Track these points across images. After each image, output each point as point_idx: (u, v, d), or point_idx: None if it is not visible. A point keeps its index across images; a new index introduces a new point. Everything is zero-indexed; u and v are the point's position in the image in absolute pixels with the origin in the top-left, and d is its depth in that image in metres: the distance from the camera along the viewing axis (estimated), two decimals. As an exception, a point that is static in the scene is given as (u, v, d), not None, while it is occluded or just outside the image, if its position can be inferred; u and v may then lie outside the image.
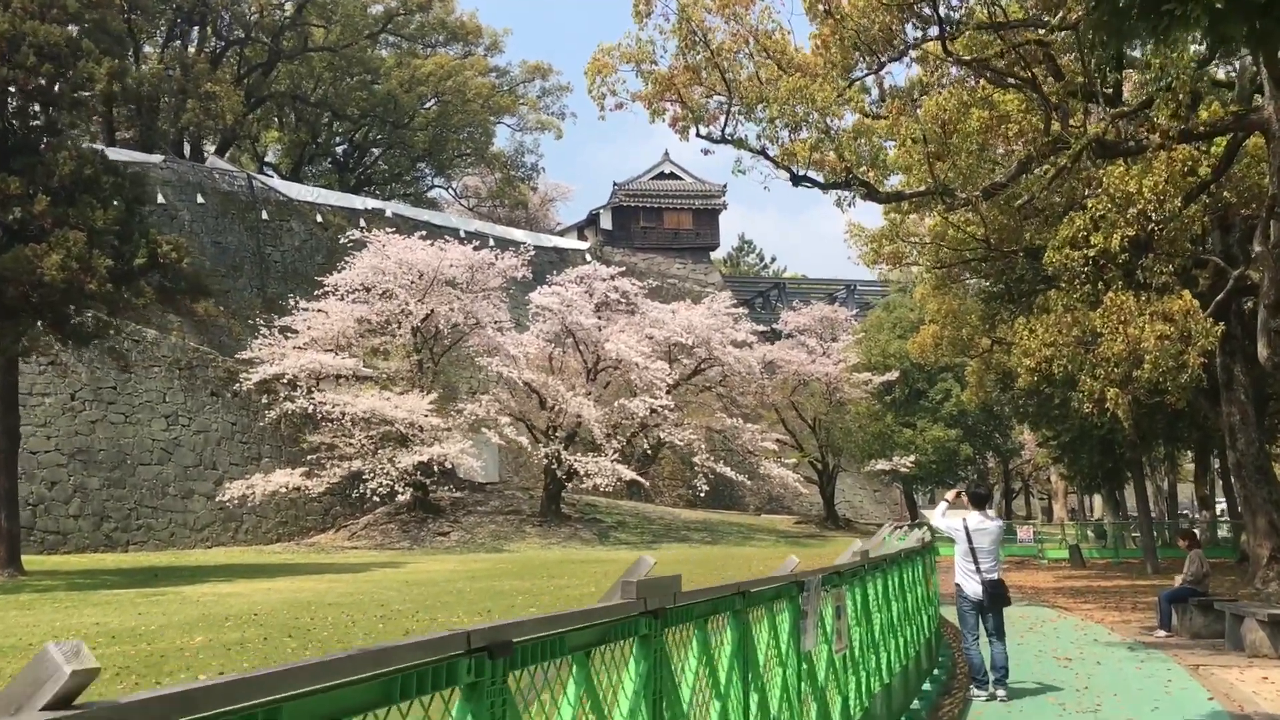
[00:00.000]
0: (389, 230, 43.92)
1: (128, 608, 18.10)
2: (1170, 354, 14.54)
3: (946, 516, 10.85)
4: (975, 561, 10.36)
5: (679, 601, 4.05)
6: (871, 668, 7.53)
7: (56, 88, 24.47)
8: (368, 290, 41.30)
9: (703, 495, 44.71)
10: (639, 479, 39.49)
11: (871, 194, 17.38)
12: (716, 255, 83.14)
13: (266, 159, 72.32)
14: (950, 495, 11.23)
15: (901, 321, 49.94)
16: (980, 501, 10.75)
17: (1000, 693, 10.40)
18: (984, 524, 10.39)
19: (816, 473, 52.45)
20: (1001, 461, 61.76)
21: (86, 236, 23.85)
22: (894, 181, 18.71)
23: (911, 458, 47.96)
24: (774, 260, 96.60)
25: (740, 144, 16.67)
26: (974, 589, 10.45)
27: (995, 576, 10.49)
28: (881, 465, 49.26)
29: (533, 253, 44.80)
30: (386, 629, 14.89)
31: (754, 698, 5.04)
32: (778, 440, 48.64)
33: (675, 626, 4.09)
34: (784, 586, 5.83)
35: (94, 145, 25.85)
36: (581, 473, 38.98)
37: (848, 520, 54.80)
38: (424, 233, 44.39)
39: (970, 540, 10.35)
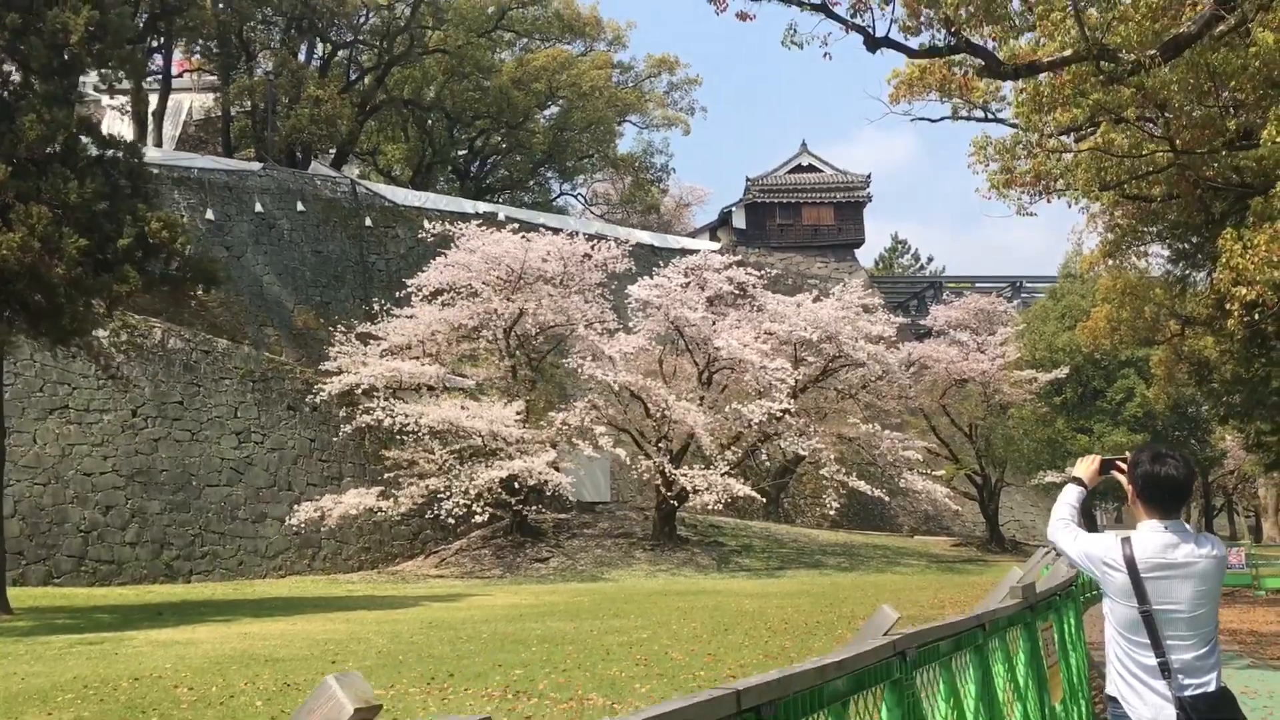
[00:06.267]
0: (476, 223, 39.80)
1: (20, 662, 13.96)
2: None
3: (1077, 530, 4.62)
4: (1156, 644, 4.24)
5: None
6: None
7: (28, 45, 20.98)
8: (456, 292, 37.32)
9: (833, 513, 38.87)
10: (753, 494, 34.00)
11: (990, 66, 11.85)
12: (868, 256, 77.03)
13: (392, 173, 69.95)
14: (1085, 468, 4.79)
15: (1071, 310, 43.14)
16: (1167, 499, 4.35)
17: None
18: (1175, 553, 4.24)
19: (975, 487, 45.81)
20: (1200, 472, 53.49)
21: (58, 214, 20.29)
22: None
23: (1088, 468, 40.88)
24: (930, 261, 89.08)
25: (790, -3, 11.39)
26: (1153, 712, 4.28)
27: (1211, 685, 4.23)
28: (1052, 477, 42.25)
29: (632, 245, 39.96)
30: (265, 709, 10.18)
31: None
32: (928, 450, 42.38)
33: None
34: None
35: (78, 110, 22.29)
36: (689, 489, 33.81)
37: (1015, 542, 47.87)
38: (515, 226, 40.16)
39: (1141, 593, 4.24)
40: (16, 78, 22.33)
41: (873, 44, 11.47)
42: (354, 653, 14.52)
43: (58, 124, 20.83)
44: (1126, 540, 4.31)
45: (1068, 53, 11.77)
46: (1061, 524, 4.65)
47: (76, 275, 20.06)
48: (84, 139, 22.36)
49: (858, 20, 11.42)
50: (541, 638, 16.37)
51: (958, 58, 12.64)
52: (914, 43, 11.98)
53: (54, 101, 21.59)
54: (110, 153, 22.69)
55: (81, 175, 20.81)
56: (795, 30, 11.85)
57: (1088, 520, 52.28)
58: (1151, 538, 4.34)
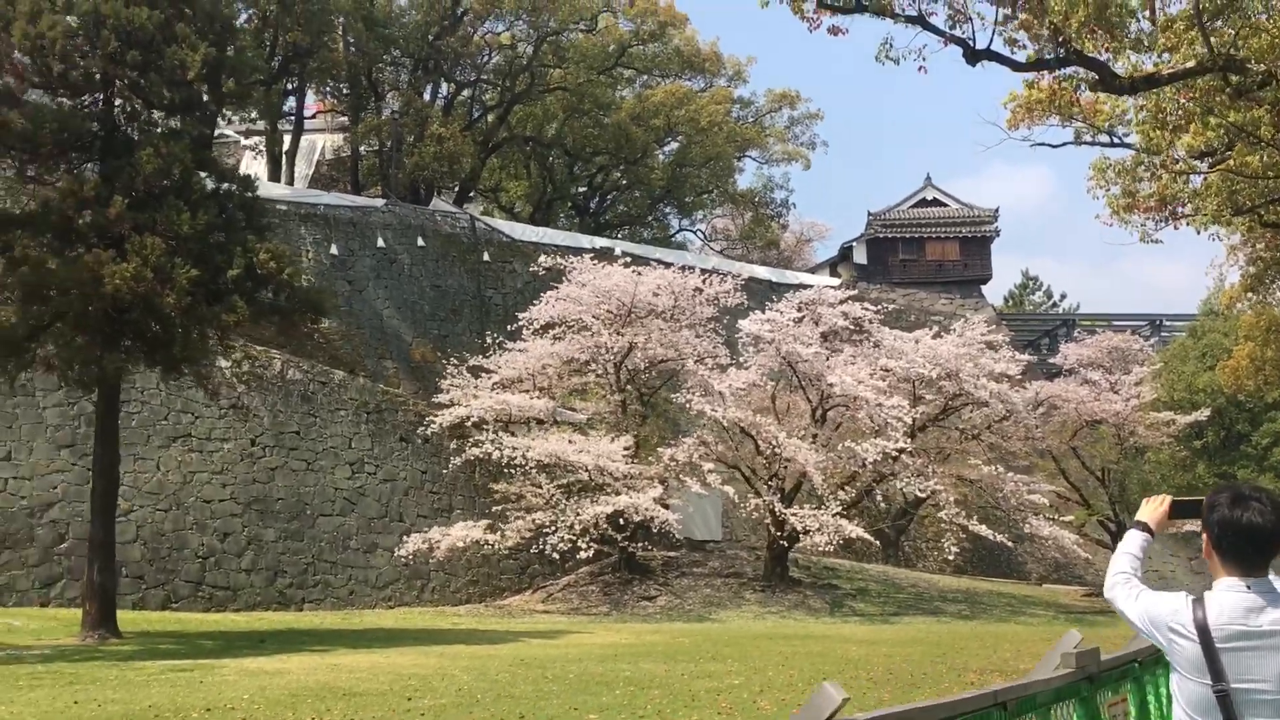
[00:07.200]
0: (589, 258, 39.74)
1: (106, 688, 14.02)
2: None
3: (1139, 586, 3.80)
4: None
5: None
6: None
7: (148, 81, 21.60)
8: (567, 325, 37.28)
9: (954, 558, 37.29)
10: (866, 535, 32.85)
11: (1105, 79, 10.99)
12: (996, 293, 74.79)
13: (514, 209, 70.89)
14: (1151, 512, 4.02)
15: (1212, 349, 40.92)
16: (1249, 551, 3.55)
17: None
18: (1260, 619, 3.45)
19: (1109, 534, 43.50)
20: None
21: (172, 245, 20.77)
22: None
23: (1231, 517, 38.46)
24: (1063, 298, 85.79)
25: (883, 9, 10.76)
26: None
27: None
28: (1192, 526, 39.83)
29: (744, 279, 39.34)
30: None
31: None
32: (1057, 494, 40.44)
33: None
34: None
35: (190, 144, 22.78)
36: (800, 529, 32.85)
37: (1152, 593, 45.28)
38: (627, 260, 39.97)
39: (1216, 668, 3.45)
40: (143, 114, 23.05)
41: (973, 56, 10.75)
42: (434, 689, 14.18)
43: (174, 157, 21.33)
44: (1199, 601, 3.52)
45: (1190, 64, 10.86)
46: (1121, 579, 3.85)
47: (187, 304, 20.45)
48: (201, 174, 22.89)
49: (956, 32, 10.74)
50: (629, 680, 15.80)
51: (1069, 71, 11.83)
52: (1020, 56, 11.22)
53: (172, 136, 22.21)
54: (226, 186, 23.20)
55: (195, 207, 21.24)
56: (891, 45, 11.21)
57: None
58: (1230, 599, 3.54)
